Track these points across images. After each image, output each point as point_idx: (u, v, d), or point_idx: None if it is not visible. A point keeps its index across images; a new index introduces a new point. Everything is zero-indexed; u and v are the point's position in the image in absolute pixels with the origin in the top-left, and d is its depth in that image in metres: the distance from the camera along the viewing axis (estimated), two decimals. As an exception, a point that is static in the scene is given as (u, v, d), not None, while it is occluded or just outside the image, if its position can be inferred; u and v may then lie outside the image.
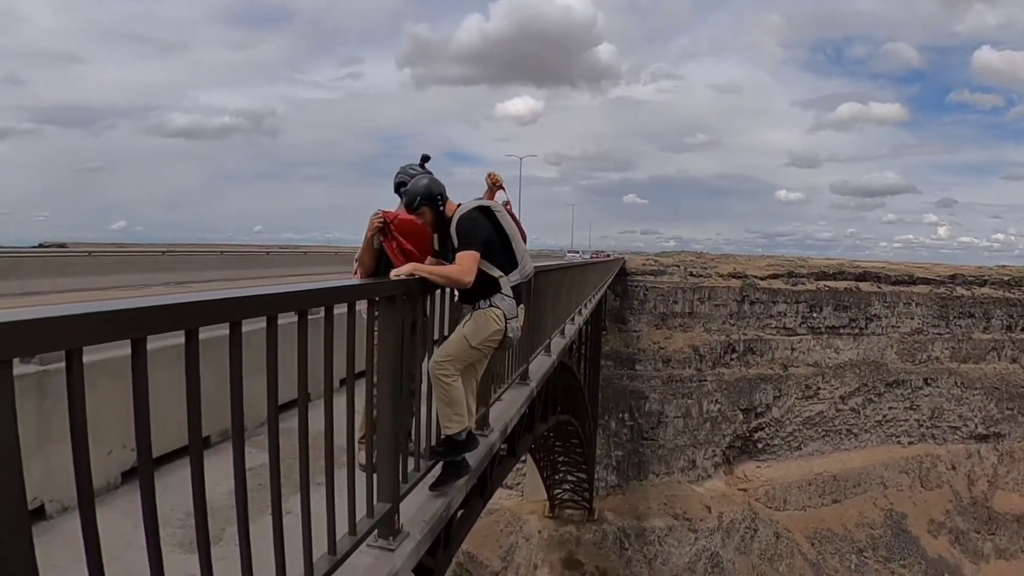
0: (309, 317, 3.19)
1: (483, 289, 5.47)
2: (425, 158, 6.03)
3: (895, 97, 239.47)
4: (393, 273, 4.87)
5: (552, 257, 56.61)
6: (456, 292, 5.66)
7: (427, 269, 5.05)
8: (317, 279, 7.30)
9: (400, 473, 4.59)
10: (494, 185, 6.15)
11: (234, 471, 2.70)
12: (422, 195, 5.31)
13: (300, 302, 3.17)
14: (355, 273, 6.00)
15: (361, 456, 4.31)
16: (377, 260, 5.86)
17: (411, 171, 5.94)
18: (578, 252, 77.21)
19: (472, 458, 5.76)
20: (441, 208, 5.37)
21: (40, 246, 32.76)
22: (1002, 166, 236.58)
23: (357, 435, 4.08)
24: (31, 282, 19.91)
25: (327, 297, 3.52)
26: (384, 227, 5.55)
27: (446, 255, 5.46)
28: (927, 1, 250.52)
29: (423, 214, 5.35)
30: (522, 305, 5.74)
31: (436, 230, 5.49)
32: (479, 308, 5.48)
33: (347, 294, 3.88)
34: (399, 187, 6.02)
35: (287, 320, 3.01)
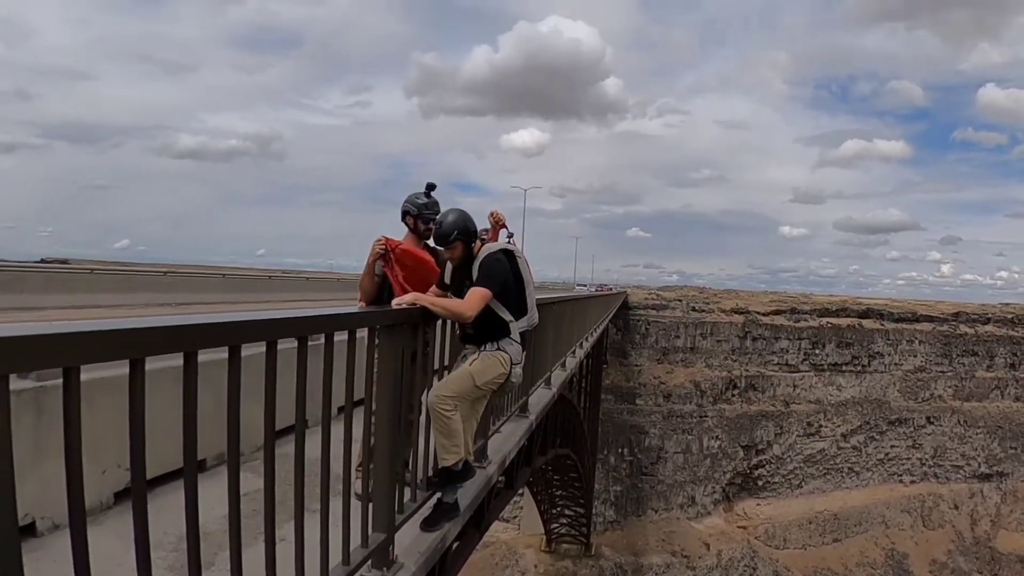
0: (309, 343, 3.17)
1: (492, 331, 5.48)
2: (431, 187, 6.07)
3: (899, 134, 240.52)
4: (395, 302, 4.85)
5: (556, 289, 56.65)
6: (458, 328, 5.62)
7: (429, 300, 5.00)
8: (318, 305, 7.34)
9: (396, 503, 4.55)
10: (497, 224, 6.23)
11: (228, 496, 2.67)
12: (460, 230, 5.30)
13: (300, 328, 3.15)
14: (360, 301, 6.06)
15: (357, 485, 4.25)
16: (379, 287, 5.93)
17: (417, 200, 6.00)
18: (586, 285, 77.47)
19: (465, 497, 5.72)
20: (472, 244, 5.41)
21: (42, 261, 32.82)
22: (1006, 204, 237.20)
23: (354, 463, 4.09)
24: (33, 297, 19.96)
25: (327, 324, 3.50)
26: (385, 254, 5.64)
27: (460, 290, 5.42)
28: (932, 39, 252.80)
29: (455, 248, 5.34)
30: (525, 351, 5.74)
31: (460, 265, 5.46)
32: (486, 350, 5.46)
33: (348, 322, 3.85)
34: (405, 215, 6.04)
35: (287, 345, 3.00)
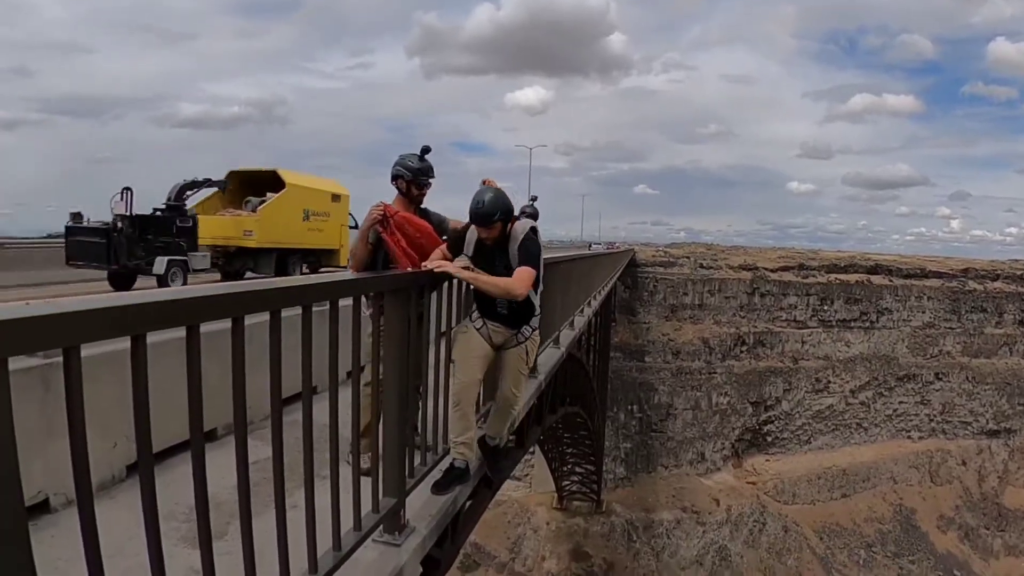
0: (314, 309, 3.16)
1: (527, 312, 5.64)
2: (425, 149, 5.91)
3: (909, 89, 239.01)
4: (434, 266, 4.97)
5: (567, 249, 56.47)
6: (475, 303, 5.68)
7: (481, 277, 5.18)
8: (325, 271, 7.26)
9: (406, 468, 4.56)
10: None
11: (236, 465, 2.70)
12: (503, 211, 5.29)
13: (306, 296, 3.15)
14: (350, 269, 5.93)
15: (363, 458, 4.27)
16: (373, 254, 5.73)
17: (411, 163, 5.84)
18: (601, 244, 77.36)
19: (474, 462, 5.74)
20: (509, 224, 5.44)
21: (48, 237, 32.78)
22: (1016, 159, 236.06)
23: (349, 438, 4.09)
24: (38, 273, 20.08)
25: (333, 291, 3.49)
26: (383, 220, 5.44)
27: (491, 268, 5.42)
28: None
29: (495, 228, 5.32)
30: None
31: (495, 244, 5.45)
32: (524, 334, 5.69)
33: (355, 287, 3.93)
34: (397, 178, 5.88)
35: (292, 313, 2.98)
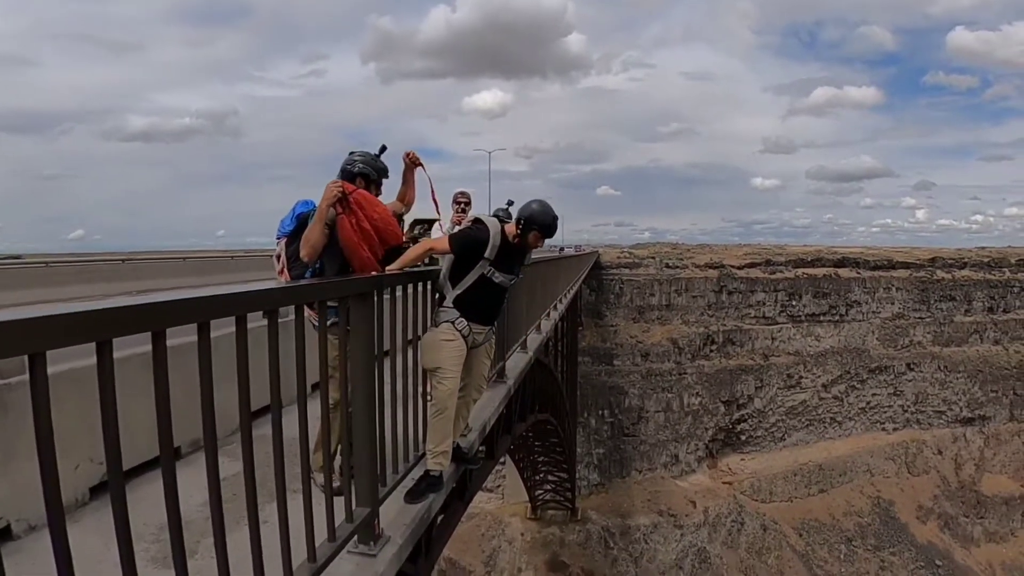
0: (280, 320, 3.15)
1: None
2: (383, 149, 5.78)
3: (870, 80, 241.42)
4: (397, 266, 5.32)
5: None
6: (462, 304, 5.72)
7: (410, 254, 5.52)
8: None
9: (378, 476, 4.57)
10: (412, 164, 6.09)
11: (208, 481, 2.66)
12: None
13: (271, 301, 3.14)
14: (304, 256, 5.37)
15: (320, 477, 4.31)
16: (326, 240, 5.34)
17: (373, 161, 5.66)
18: (573, 247, 77.61)
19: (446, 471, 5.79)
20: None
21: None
22: (979, 147, 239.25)
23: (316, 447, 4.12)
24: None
25: (298, 295, 3.51)
26: (344, 198, 5.24)
27: (512, 269, 5.84)
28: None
29: (541, 238, 5.78)
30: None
31: (518, 249, 5.83)
32: (494, 329, 6.08)
33: (319, 292, 3.90)
34: (354, 177, 5.56)
35: (256, 324, 2.96)
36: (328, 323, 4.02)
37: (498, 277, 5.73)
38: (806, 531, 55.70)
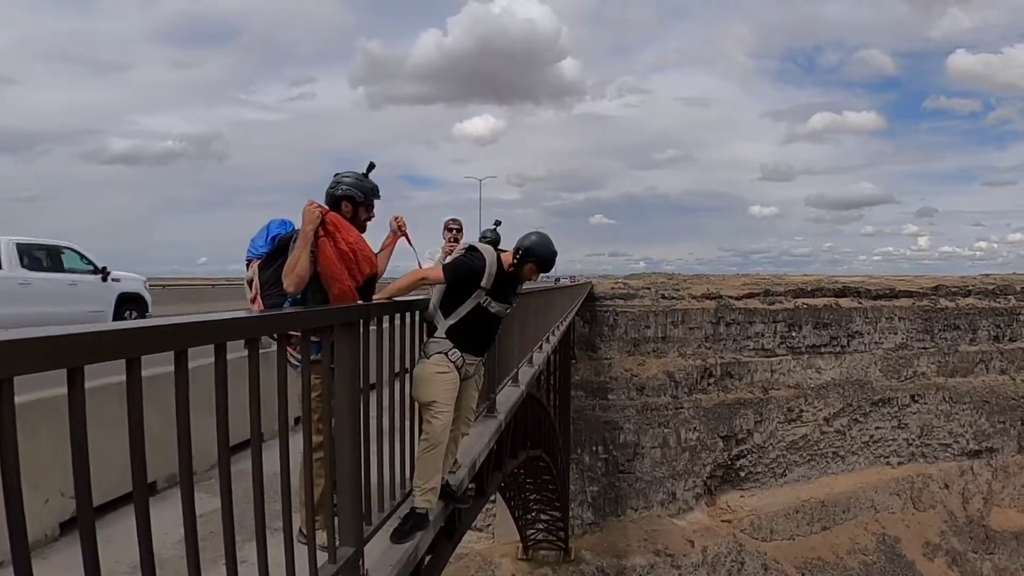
0: (261, 351, 3.14)
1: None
2: (371, 166, 5.50)
3: (870, 105, 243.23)
4: (384, 296, 5.31)
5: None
6: (455, 333, 5.77)
7: (402, 283, 5.65)
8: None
9: (363, 514, 4.54)
10: (399, 230, 5.83)
11: (183, 518, 2.63)
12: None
13: (252, 329, 3.15)
14: (290, 287, 4.99)
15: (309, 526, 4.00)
16: (312, 270, 5.01)
17: (361, 182, 5.38)
18: (568, 279, 77.89)
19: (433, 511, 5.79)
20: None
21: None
22: (982, 172, 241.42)
23: (296, 494, 3.89)
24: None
25: (281, 324, 3.47)
26: (323, 220, 5.03)
27: (508, 297, 5.97)
28: (900, 5, 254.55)
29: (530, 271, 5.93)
30: None
31: (511, 276, 5.93)
32: (484, 360, 6.27)
33: (304, 320, 3.84)
34: (341, 200, 5.32)
35: (236, 355, 2.94)
36: (311, 358, 3.92)
37: (494, 307, 5.78)
38: (809, 570, 55.59)
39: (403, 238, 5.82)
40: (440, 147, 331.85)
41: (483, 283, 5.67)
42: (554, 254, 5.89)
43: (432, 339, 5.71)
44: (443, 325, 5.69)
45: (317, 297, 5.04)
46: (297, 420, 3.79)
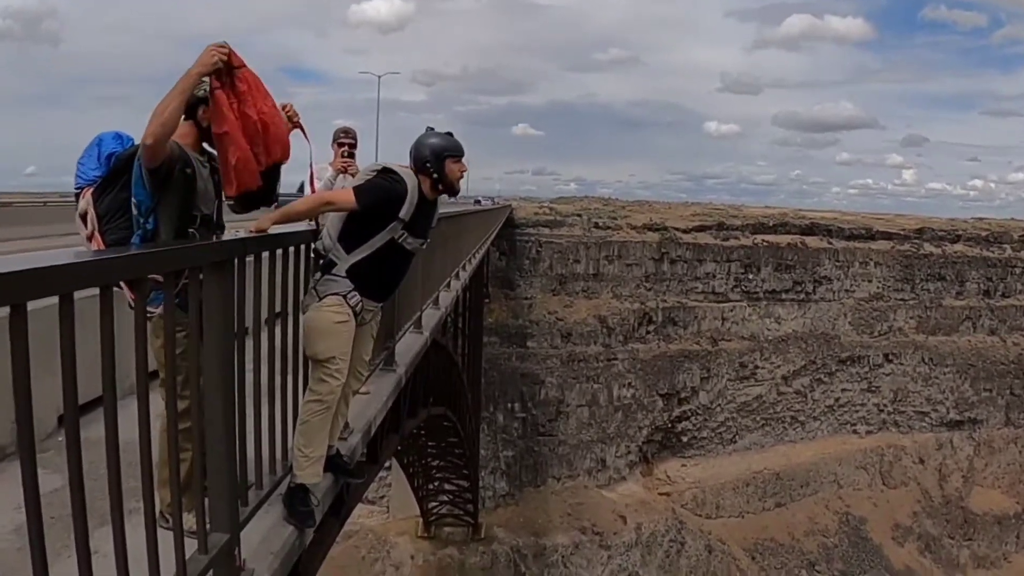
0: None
1: None
2: None
3: (857, 10, 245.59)
4: (256, 228, 4.83)
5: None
6: (365, 277, 5.54)
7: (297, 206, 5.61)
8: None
9: (239, 494, 4.44)
10: (291, 120, 5.42)
11: (25, 500, 2.44)
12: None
13: (102, 274, 2.90)
14: (148, 139, 4.27)
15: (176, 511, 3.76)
16: (177, 121, 4.42)
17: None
18: (492, 199, 77.01)
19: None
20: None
21: None
22: (982, 99, 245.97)
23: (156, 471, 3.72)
24: None
25: (140, 266, 3.26)
26: (228, 69, 4.53)
27: (425, 231, 5.83)
28: None
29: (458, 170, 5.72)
30: None
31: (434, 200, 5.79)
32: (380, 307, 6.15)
33: (157, 261, 3.54)
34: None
35: (84, 294, 2.72)
36: (150, 310, 3.82)
37: (410, 242, 5.65)
38: (760, 553, 56.31)
39: (298, 130, 5.53)
40: (331, 34, 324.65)
41: (402, 213, 5.48)
42: (457, 146, 5.69)
43: (328, 276, 5.48)
44: (344, 262, 5.47)
45: (170, 222, 4.55)
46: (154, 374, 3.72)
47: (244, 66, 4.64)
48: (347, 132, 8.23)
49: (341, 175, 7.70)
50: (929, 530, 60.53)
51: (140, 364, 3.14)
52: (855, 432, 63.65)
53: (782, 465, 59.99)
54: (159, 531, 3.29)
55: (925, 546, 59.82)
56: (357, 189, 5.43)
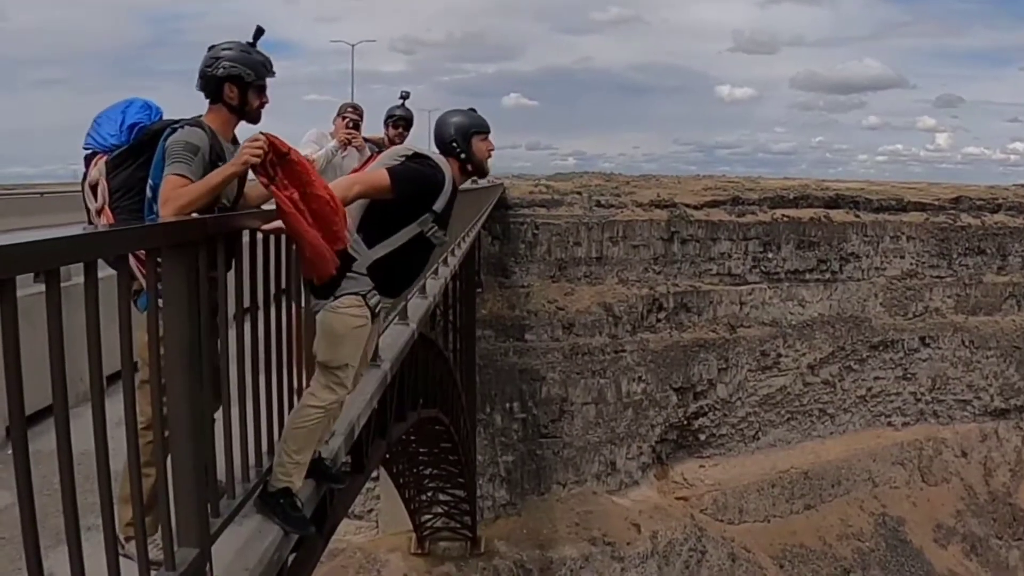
0: (62, 284, 2.88)
1: None
2: (258, 32, 5.04)
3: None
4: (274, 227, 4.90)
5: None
6: (386, 268, 5.47)
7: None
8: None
9: (210, 504, 4.38)
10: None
11: None
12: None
13: (45, 257, 2.83)
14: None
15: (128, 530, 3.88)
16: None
17: (224, 51, 4.87)
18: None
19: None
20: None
21: None
22: (1022, 53, 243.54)
23: (117, 490, 3.68)
24: None
25: (91, 248, 3.22)
26: (267, 162, 4.53)
27: (448, 223, 5.73)
28: None
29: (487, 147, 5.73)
30: None
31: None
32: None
33: (121, 242, 3.54)
34: (228, 80, 4.84)
35: (28, 291, 2.86)
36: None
37: (438, 236, 5.55)
38: (789, 561, 56.36)
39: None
40: (300, 1, 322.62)
41: (435, 205, 5.41)
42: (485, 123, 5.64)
43: (347, 273, 5.30)
44: (366, 257, 5.33)
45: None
46: (113, 378, 3.46)
47: (291, 149, 4.63)
48: (355, 108, 8.45)
49: (343, 149, 7.94)
50: (974, 530, 60.42)
51: (126, 364, 3.24)
52: (890, 424, 63.69)
53: (810, 463, 60.12)
54: (121, 550, 3.33)
55: (971, 548, 59.67)
56: (393, 173, 5.32)
